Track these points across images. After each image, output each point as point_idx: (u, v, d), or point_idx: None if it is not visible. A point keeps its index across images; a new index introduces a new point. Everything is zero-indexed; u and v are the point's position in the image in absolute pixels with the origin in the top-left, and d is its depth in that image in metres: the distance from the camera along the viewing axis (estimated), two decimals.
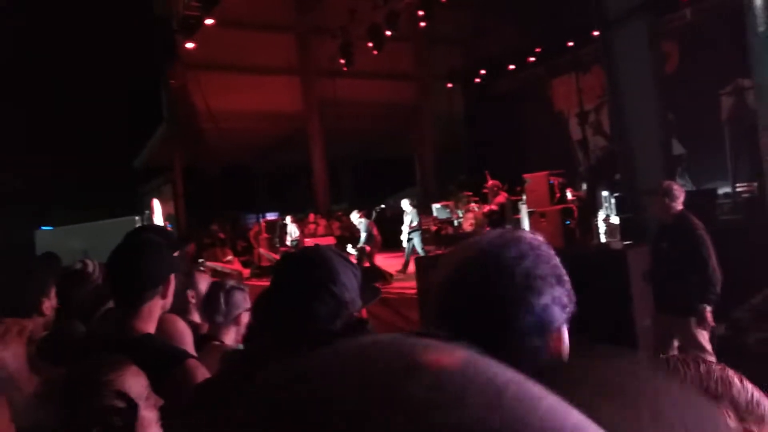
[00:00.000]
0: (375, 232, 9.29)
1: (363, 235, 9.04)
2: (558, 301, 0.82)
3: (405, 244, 9.13)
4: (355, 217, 9.12)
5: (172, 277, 1.56)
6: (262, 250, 11.22)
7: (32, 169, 19.72)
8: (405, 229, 9.21)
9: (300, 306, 1.12)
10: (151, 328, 1.47)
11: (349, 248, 9.13)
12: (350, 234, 11.00)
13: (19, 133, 18.70)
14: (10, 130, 18.14)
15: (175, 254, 1.73)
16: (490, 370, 0.27)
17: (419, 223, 9.37)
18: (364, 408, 0.25)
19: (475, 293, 0.80)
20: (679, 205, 3.89)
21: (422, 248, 9.05)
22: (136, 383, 1.12)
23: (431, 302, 0.87)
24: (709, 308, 3.57)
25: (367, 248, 8.85)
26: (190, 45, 12.00)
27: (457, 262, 0.85)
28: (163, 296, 1.51)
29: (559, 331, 0.85)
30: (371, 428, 0.24)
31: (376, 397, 0.25)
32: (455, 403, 0.25)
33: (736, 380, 0.56)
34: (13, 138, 18.24)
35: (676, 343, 3.75)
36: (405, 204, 9.43)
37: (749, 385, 0.54)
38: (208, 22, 11.43)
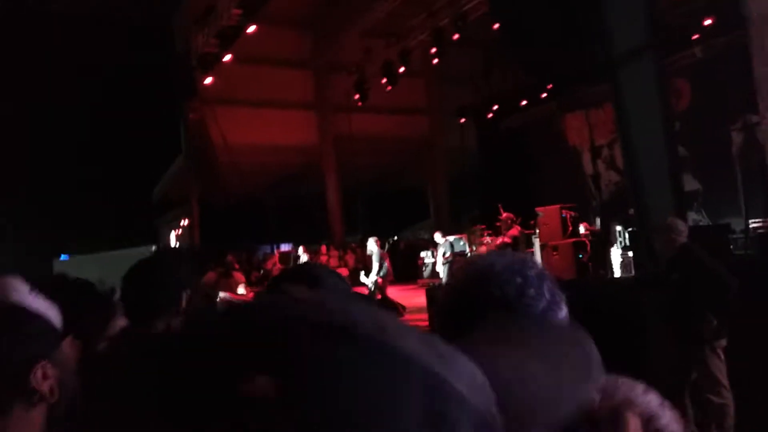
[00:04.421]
0: (387, 263, 9.38)
1: (375, 266, 9.15)
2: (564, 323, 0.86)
3: (442, 275, 9.58)
4: (372, 244, 9.28)
5: (185, 294, 1.58)
6: None
7: (52, 198, 20.08)
8: (440, 259, 9.64)
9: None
10: None
11: (362, 278, 9.26)
12: (364, 266, 11.07)
13: (40, 162, 19.11)
14: (32, 159, 18.55)
15: (188, 273, 1.76)
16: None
17: (452, 254, 9.69)
18: None
19: (501, 309, 0.82)
20: (683, 239, 3.95)
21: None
22: None
23: (442, 302, 0.90)
24: (724, 342, 3.58)
25: (379, 281, 8.91)
26: (208, 80, 12.32)
27: (471, 278, 0.88)
28: (178, 312, 1.54)
29: None
30: None
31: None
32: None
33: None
34: (35, 167, 18.65)
35: (694, 375, 3.72)
36: (438, 237, 9.94)
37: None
38: (226, 58, 11.75)
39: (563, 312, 0.87)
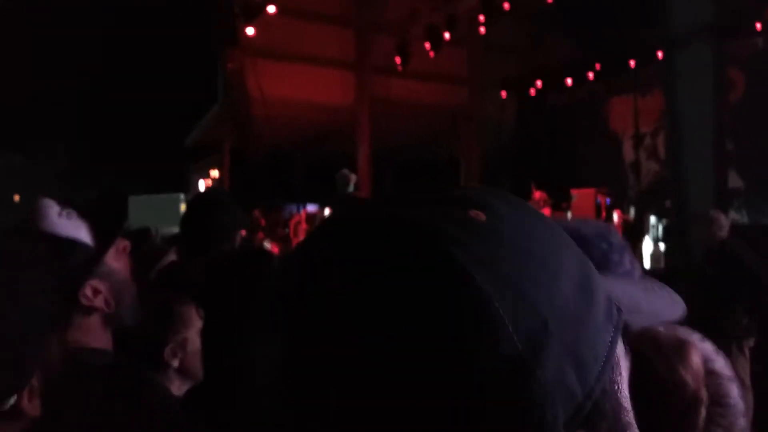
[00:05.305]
0: None
1: None
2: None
3: None
4: None
5: (240, 233, 1.65)
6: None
7: (85, 138, 20.43)
8: None
9: None
10: None
11: None
12: None
13: (74, 102, 19.40)
14: (66, 99, 18.83)
15: (242, 214, 1.86)
16: None
17: None
18: None
19: None
20: (724, 234, 3.87)
21: None
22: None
23: None
24: (752, 341, 3.48)
25: None
26: (250, 30, 12.21)
27: None
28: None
29: None
30: None
31: None
32: None
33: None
34: (68, 108, 18.94)
35: None
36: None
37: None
38: (271, 9, 11.60)
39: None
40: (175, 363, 1.75)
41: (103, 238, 1.12)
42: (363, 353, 0.27)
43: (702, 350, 0.75)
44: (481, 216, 0.32)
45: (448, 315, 0.27)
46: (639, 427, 0.65)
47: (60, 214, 1.06)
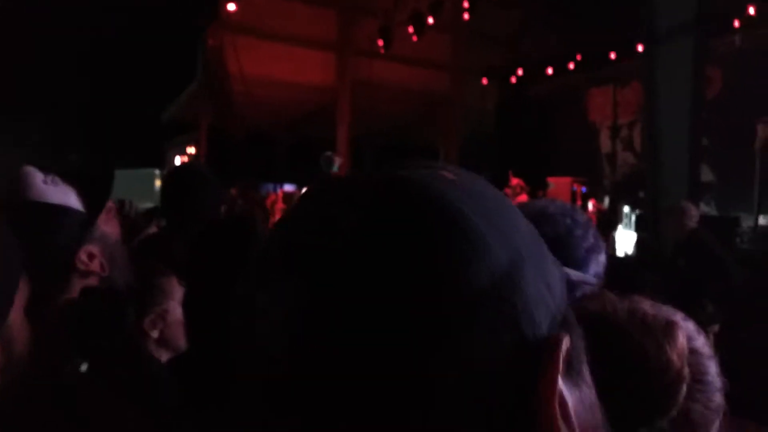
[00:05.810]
0: None
1: None
2: (602, 267, 0.92)
3: None
4: None
5: (222, 209, 1.64)
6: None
7: (59, 110, 19.93)
8: None
9: None
10: None
11: None
12: None
13: (46, 74, 18.89)
14: (39, 74, 18.34)
15: (222, 188, 1.84)
16: None
17: None
18: None
19: (550, 246, 0.88)
20: (693, 224, 3.95)
21: None
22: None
23: None
24: (716, 327, 3.60)
25: None
26: (231, 6, 12.01)
27: (528, 217, 0.93)
28: None
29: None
30: None
31: None
32: None
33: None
34: (41, 81, 18.44)
35: None
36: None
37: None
38: None
39: (602, 257, 0.99)
40: (155, 334, 1.76)
41: (94, 202, 1.12)
42: (384, 284, 0.31)
43: (685, 329, 0.78)
44: (450, 175, 0.37)
45: (448, 240, 0.32)
46: (624, 402, 0.68)
47: (45, 181, 1.05)
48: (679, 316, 0.80)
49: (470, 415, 0.31)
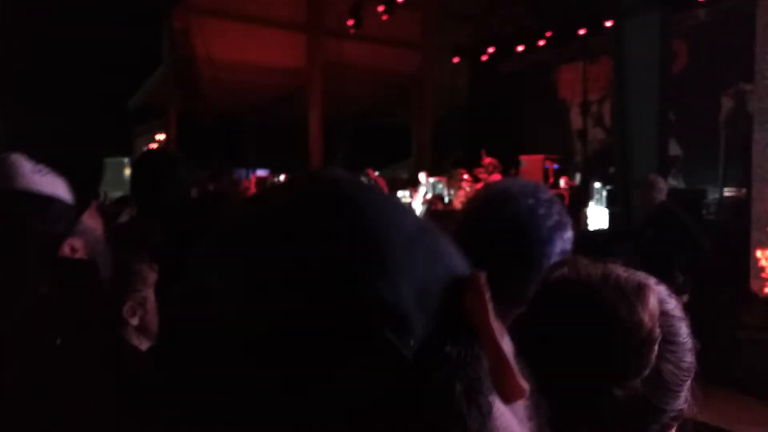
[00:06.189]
0: None
1: None
2: (569, 244, 0.92)
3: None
4: (365, 179, 9.21)
5: (193, 191, 1.63)
6: None
7: (21, 100, 19.33)
8: (419, 200, 9.53)
9: None
10: None
11: None
12: None
13: (14, 60, 18.27)
14: (5, 58, 17.71)
15: (192, 173, 1.82)
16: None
17: (433, 196, 9.71)
18: None
19: (509, 230, 0.91)
20: (662, 196, 4.03)
21: None
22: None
23: (459, 221, 0.97)
24: (686, 297, 3.70)
25: None
26: None
27: (489, 199, 0.95)
28: (184, 211, 1.57)
29: None
30: None
31: None
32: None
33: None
34: (2, 67, 17.82)
35: None
36: (422, 177, 9.82)
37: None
38: None
39: (569, 233, 1.00)
40: (135, 321, 1.74)
41: (83, 195, 1.13)
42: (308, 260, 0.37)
43: (657, 293, 0.81)
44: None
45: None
46: (598, 363, 0.74)
47: (33, 171, 1.05)
48: (652, 280, 0.83)
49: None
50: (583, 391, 0.74)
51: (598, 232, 6.78)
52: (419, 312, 0.36)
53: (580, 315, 0.77)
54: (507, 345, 0.38)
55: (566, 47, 11.97)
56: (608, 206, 7.55)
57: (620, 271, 0.82)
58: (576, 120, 12.45)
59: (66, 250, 1.04)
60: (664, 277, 3.07)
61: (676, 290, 3.01)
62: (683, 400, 0.78)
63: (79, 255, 1.06)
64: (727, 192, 7.70)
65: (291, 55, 14.28)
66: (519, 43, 12.78)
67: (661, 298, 0.81)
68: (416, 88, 15.62)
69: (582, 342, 0.75)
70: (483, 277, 0.39)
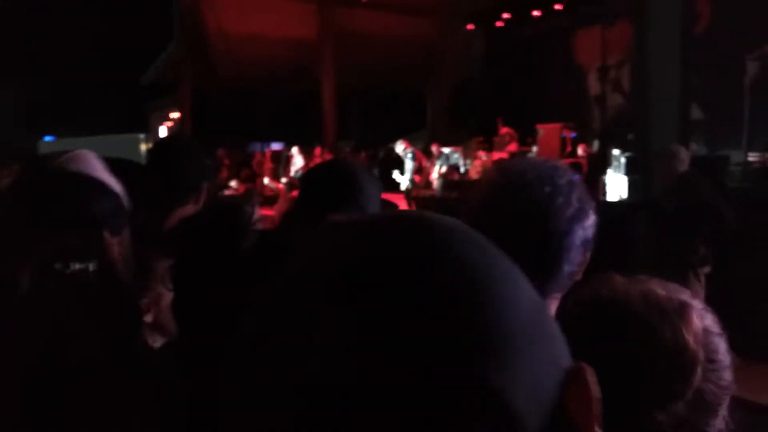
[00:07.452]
0: None
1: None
2: (590, 231, 0.87)
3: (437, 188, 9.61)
4: (401, 148, 9.39)
5: (206, 185, 1.59)
6: (266, 180, 11.21)
7: (36, 76, 19.41)
8: (435, 173, 9.50)
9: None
10: None
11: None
12: None
13: (25, 39, 18.31)
14: (16, 36, 17.74)
15: (208, 164, 1.79)
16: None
17: (448, 168, 9.67)
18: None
19: (525, 223, 0.85)
20: (684, 167, 3.93)
21: None
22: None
23: (472, 208, 0.92)
24: (707, 269, 3.63)
25: None
26: None
27: (503, 185, 0.89)
28: (197, 203, 1.54)
29: (585, 258, 0.92)
30: None
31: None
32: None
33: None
34: (18, 45, 17.87)
35: None
36: (434, 149, 9.80)
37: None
38: None
39: (590, 220, 0.92)
40: (149, 318, 1.74)
41: (135, 201, 1.15)
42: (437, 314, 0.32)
43: (697, 310, 0.78)
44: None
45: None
46: (641, 387, 0.71)
47: (102, 168, 1.08)
48: (686, 295, 0.79)
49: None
50: (624, 417, 0.70)
51: (618, 204, 6.67)
52: (531, 409, 0.32)
53: (621, 339, 0.74)
54: None
55: (583, 10, 11.64)
56: (627, 173, 7.40)
57: (659, 288, 0.78)
58: (594, 86, 12.18)
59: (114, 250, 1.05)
60: (685, 249, 2.98)
61: (698, 262, 2.93)
62: (722, 418, 0.75)
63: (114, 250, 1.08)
64: (752, 157, 7.50)
65: (303, 26, 14.10)
66: (535, 8, 12.47)
67: (699, 313, 0.77)
68: (430, 57, 15.37)
69: (623, 367, 0.71)
70: (590, 372, 0.34)
